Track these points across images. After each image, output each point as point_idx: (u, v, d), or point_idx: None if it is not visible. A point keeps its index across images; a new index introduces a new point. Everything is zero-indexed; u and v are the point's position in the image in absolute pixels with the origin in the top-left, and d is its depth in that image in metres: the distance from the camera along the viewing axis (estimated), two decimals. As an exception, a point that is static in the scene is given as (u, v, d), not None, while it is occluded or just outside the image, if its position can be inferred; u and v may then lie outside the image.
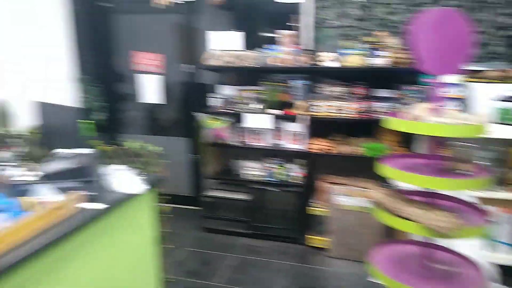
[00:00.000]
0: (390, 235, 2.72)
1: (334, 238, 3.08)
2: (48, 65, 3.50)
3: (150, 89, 3.90)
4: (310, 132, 3.20)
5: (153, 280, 2.10)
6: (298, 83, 3.24)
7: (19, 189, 1.50)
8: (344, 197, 2.98)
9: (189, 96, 3.94)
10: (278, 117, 3.26)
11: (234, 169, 3.58)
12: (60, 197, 1.49)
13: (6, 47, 3.05)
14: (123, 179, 1.78)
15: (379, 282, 1.85)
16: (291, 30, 3.22)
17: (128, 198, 1.73)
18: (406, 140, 2.97)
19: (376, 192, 1.79)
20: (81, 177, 1.58)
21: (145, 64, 3.83)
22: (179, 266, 2.86)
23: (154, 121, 4.26)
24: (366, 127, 3.14)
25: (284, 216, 3.31)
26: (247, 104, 3.39)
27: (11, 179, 1.78)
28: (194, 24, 3.79)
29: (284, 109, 3.24)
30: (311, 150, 3.17)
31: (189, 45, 3.85)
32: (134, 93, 4.02)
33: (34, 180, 1.59)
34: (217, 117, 3.42)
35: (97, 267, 1.61)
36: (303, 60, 3.08)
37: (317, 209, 3.17)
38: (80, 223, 1.44)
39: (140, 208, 1.93)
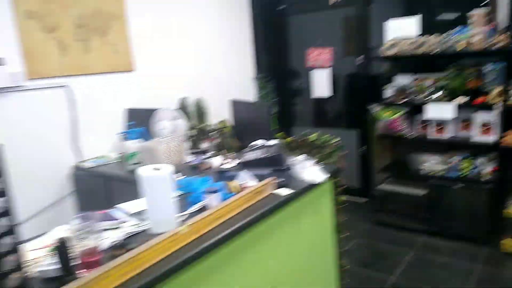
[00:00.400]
0: None
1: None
2: (234, 65, 3.94)
3: (320, 83, 4.00)
4: (505, 122, 2.77)
5: (331, 266, 2.17)
6: (492, 67, 2.84)
7: (224, 175, 1.76)
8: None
9: (360, 88, 3.88)
10: (463, 106, 2.93)
11: (408, 162, 3.38)
12: (257, 183, 1.67)
13: (199, 52, 3.57)
14: (306, 168, 1.88)
15: None
16: (483, 7, 2.84)
17: (312, 186, 1.82)
18: None
19: None
20: (273, 165, 1.75)
21: (315, 60, 3.94)
22: (351, 256, 2.87)
23: (324, 114, 4.35)
24: None
25: (470, 215, 2.96)
26: (426, 93, 3.15)
27: (216, 166, 2.10)
28: (366, 14, 3.70)
29: (472, 97, 2.89)
30: (507, 144, 2.74)
31: (361, 36, 3.79)
32: (305, 88, 4.20)
33: (235, 167, 1.83)
34: (391, 108, 3.28)
35: (284, 248, 1.75)
36: (500, 41, 2.67)
37: (513, 211, 2.74)
38: (274, 206, 1.59)
39: (321, 197, 2.01)
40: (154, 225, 1.36)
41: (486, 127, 2.89)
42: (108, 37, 2.78)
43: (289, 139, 2.18)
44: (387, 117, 3.25)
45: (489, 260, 2.73)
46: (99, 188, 2.47)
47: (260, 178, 1.70)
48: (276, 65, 4.34)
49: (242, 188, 1.63)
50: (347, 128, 4.05)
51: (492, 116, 2.83)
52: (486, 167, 2.91)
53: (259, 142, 1.96)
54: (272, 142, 1.94)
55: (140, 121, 2.54)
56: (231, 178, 1.71)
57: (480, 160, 2.95)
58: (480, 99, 2.85)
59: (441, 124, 3.10)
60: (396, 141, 3.45)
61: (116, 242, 1.27)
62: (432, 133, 3.16)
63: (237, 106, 2.48)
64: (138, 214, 1.50)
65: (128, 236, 1.33)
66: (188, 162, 2.30)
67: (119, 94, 2.88)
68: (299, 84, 4.33)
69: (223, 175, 1.76)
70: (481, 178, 2.92)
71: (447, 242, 3.01)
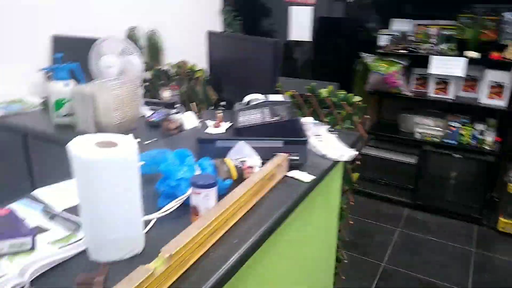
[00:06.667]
0: None
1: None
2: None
3: (299, 24, 3.35)
4: (522, 84, 2.39)
5: (331, 258, 1.71)
6: (517, 16, 2.39)
7: (209, 146, 1.14)
8: None
9: (348, 33, 3.29)
10: (474, 62, 2.49)
11: (400, 124, 2.95)
12: (260, 161, 1.08)
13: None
14: (323, 138, 1.32)
15: None
16: None
17: (333, 166, 1.27)
18: None
19: None
20: (286, 135, 1.16)
21: (296, -7, 3.26)
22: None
23: (302, 62, 3.74)
24: None
25: (464, 189, 2.64)
26: (431, 43, 2.66)
27: (189, 126, 1.46)
28: None
29: (484, 52, 2.45)
30: (518, 109, 2.38)
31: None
32: (280, 29, 3.53)
33: (222, 135, 1.21)
34: (387, 59, 2.77)
35: (295, 249, 1.23)
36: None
37: (517, 186, 2.44)
38: (295, 202, 1.03)
39: (334, 175, 1.49)
40: (96, 248, 0.74)
41: (497, 89, 2.49)
42: None
43: (289, 93, 1.58)
44: (382, 70, 2.74)
45: (488, 240, 2.44)
46: (13, 148, 1.74)
47: (264, 153, 1.11)
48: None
49: (242, 170, 1.04)
50: (331, 80, 3.49)
51: (506, 76, 2.43)
52: (489, 136, 2.55)
53: (257, 97, 1.34)
54: (276, 97, 1.33)
55: (72, 55, 1.77)
56: (221, 152, 1.10)
57: (483, 127, 2.59)
58: (495, 55, 2.42)
59: (444, 82, 2.66)
60: (389, 99, 2.99)
61: (22, 286, 0.65)
62: (432, 92, 2.72)
63: (217, 41, 1.78)
64: (67, 217, 0.86)
65: (45, 269, 0.70)
66: (145, 117, 1.63)
67: (42, 14, 2.04)
68: (274, 23, 3.64)
69: (207, 146, 1.14)
70: (482, 147, 2.57)
71: (438, 219, 2.67)
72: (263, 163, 1.07)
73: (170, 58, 2.47)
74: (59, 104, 1.64)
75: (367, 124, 3.12)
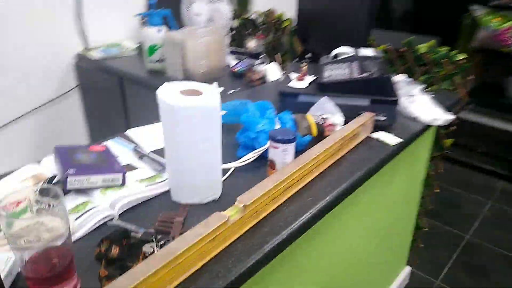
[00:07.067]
0: None
1: None
2: None
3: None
4: None
5: (409, 228, 1.64)
6: None
7: (291, 100, 1.11)
8: None
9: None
10: None
11: (507, 88, 2.61)
12: (342, 119, 1.03)
13: None
14: (417, 100, 1.21)
15: None
16: None
17: (424, 130, 1.17)
18: None
19: None
20: (375, 93, 1.08)
21: None
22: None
23: (400, 13, 3.42)
24: None
25: None
26: None
27: (271, 77, 1.43)
28: None
29: None
30: None
31: None
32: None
33: (306, 88, 1.17)
34: (501, 13, 2.41)
35: (371, 216, 1.19)
36: None
37: None
38: (378, 164, 0.97)
39: (424, 141, 1.38)
40: (178, 190, 0.78)
41: None
42: None
43: (382, 47, 1.46)
44: (494, 25, 2.39)
45: None
46: (110, 89, 1.89)
47: (349, 111, 1.06)
48: None
49: (323, 127, 1.00)
50: (428, 34, 3.17)
51: None
52: None
53: (345, 50, 1.26)
54: (367, 52, 1.23)
55: (165, 1, 1.82)
56: (303, 107, 1.07)
57: None
58: None
59: None
60: (495, 59, 2.63)
61: (111, 218, 0.71)
62: (555, 53, 2.33)
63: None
64: (155, 158, 0.91)
65: (132, 204, 0.76)
66: (230, 66, 1.64)
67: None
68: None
69: (289, 100, 1.12)
70: None
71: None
72: (346, 122, 1.02)
73: (258, 7, 2.42)
74: (152, 49, 1.71)
75: (468, 86, 2.81)
